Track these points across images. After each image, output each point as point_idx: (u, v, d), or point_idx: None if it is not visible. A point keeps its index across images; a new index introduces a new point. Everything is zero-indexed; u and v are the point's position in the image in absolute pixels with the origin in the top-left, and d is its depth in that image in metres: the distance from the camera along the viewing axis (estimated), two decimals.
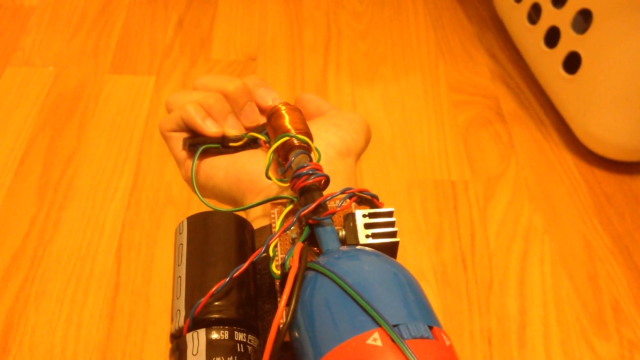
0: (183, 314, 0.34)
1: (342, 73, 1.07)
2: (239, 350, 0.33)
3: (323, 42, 1.13)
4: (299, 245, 0.35)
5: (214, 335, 0.33)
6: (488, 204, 0.88)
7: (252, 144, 0.44)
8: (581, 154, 0.95)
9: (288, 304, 0.32)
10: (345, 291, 0.31)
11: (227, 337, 0.33)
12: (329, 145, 0.42)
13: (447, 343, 0.31)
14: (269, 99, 0.45)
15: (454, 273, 0.80)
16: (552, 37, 0.94)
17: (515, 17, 1.06)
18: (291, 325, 0.32)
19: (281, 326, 0.31)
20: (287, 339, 0.33)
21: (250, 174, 0.42)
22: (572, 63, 0.90)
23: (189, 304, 0.34)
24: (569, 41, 0.89)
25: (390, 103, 1.02)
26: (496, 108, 1.02)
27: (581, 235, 0.84)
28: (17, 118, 0.94)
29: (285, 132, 0.39)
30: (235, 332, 0.33)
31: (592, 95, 0.89)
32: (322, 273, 0.33)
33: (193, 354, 0.32)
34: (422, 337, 0.30)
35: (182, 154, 0.44)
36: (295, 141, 0.39)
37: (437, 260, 0.81)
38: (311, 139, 0.40)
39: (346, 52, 1.11)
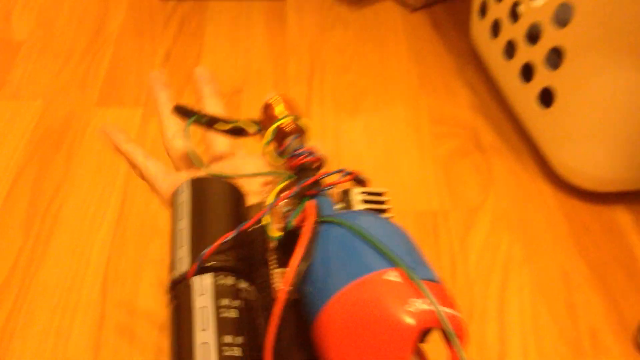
0: (188, 260, 0.35)
1: (326, 105, 1.10)
2: (240, 296, 0.35)
3: (307, 75, 1.16)
4: (311, 202, 0.37)
5: (221, 280, 0.35)
6: (468, 234, 0.90)
7: (237, 133, 0.46)
8: (559, 185, 0.97)
9: (307, 251, 0.33)
10: (361, 235, 0.33)
11: (231, 283, 0.35)
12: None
13: (448, 292, 0.33)
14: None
15: None
16: (527, 72, 0.97)
17: (492, 53, 1.09)
18: (306, 274, 0.33)
19: (300, 267, 0.33)
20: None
21: (237, 170, 0.45)
22: (547, 97, 0.93)
23: (195, 252, 0.36)
24: (543, 77, 0.92)
25: (372, 134, 1.05)
26: (476, 139, 1.05)
27: (559, 265, 0.87)
28: (5, 151, 0.95)
29: (285, 116, 0.42)
30: (238, 280, 0.35)
31: (567, 129, 0.92)
32: (335, 222, 0.34)
33: (200, 295, 0.34)
34: (432, 280, 0.32)
35: (165, 182, 0.48)
36: (294, 125, 0.42)
37: None
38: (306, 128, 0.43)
39: (330, 84, 1.14)
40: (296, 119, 0.42)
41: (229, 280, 0.35)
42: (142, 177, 0.49)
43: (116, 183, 0.92)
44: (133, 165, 0.50)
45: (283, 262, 0.36)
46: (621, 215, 0.93)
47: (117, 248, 0.84)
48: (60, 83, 1.08)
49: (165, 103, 0.51)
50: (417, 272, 0.31)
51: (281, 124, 0.42)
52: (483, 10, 1.11)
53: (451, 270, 0.85)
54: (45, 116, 1.02)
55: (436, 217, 0.92)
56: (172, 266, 0.36)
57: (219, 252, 0.36)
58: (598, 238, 0.90)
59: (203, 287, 0.34)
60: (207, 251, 0.35)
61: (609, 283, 0.84)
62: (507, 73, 1.04)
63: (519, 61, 0.99)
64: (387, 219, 0.36)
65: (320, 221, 0.35)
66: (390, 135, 1.05)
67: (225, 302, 0.34)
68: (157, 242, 0.85)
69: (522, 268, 0.86)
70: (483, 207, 0.94)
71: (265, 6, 1.32)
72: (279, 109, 0.43)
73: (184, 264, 0.35)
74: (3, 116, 1.01)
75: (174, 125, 0.50)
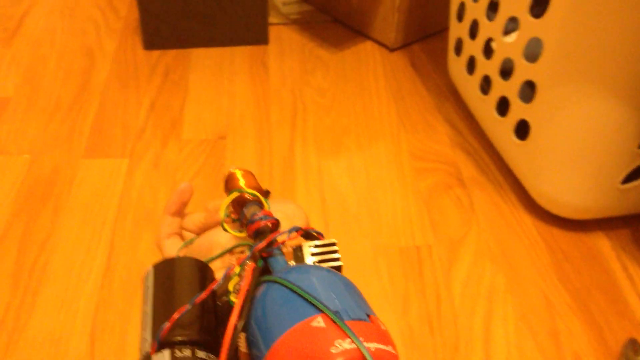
0: (150, 340, 0.37)
1: (309, 146, 1.12)
2: None
3: (289, 118, 1.18)
4: (250, 265, 0.40)
5: (177, 354, 0.36)
6: (452, 267, 0.91)
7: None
8: (539, 215, 0.99)
9: (242, 307, 0.37)
10: (291, 290, 0.36)
11: (190, 355, 0.36)
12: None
13: (383, 327, 0.35)
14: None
15: (421, 337, 0.82)
16: (503, 106, 1.00)
17: (469, 88, 1.12)
18: (245, 325, 0.37)
19: (238, 325, 0.36)
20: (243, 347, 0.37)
21: (210, 243, 0.48)
22: (523, 130, 0.95)
23: (155, 332, 0.37)
24: (518, 110, 0.95)
25: (355, 173, 1.07)
26: (456, 174, 1.07)
27: (542, 293, 0.88)
28: None
29: (238, 189, 0.46)
30: (197, 350, 0.37)
31: (543, 159, 0.94)
32: (271, 281, 0.38)
33: None
34: (359, 319, 0.34)
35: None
36: (247, 195, 0.46)
37: (404, 324, 0.84)
38: (262, 194, 0.46)
39: (312, 126, 1.17)
40: (252, 191, 0.46)
41: (187, 352, 0.36)
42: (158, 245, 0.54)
43: (103, 234, 0.93)
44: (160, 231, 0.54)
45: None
46: (601, 242, 0.95)
47: (105, 297, 0.85)
48: (47, 137, 1.10)
49: (170, 208, 0.53)
50: (347, 314, 0.34)
51: (234, 197, 0.46)
52: (459, 48, 1.15)
53: (436, 303, 0.86)
54: (32, 170, 1.03)
55: (420, 252, 0.93)
56: (140, 348, 0.38)
57: (178, 327, 0.37)
58: (579, 265, 0.91)
59: None
60: (164, 328, 0.37)
61: (591, 309, 0.85)
62: (484, 108, 1.07)
63: (494, 96, 1.02)
64: (326, 269, 0.39)
65: (264, 281, 0.39)
66: (372, 173, 1.07)
67: None
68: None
69: (506, 298, 0.87)
70: (465, 239, 0.95)
71: (247, 52, 1.36)
72: (233, 184, 0.47)
73: (147, 345, 0.37)
74: None
75: (169, 228, 0.53)
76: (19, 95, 1.20)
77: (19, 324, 0.81)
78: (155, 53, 1.34)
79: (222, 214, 0.45)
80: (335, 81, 1.29)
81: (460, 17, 1.12)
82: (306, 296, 0.35)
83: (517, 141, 0.97)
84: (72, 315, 0.83)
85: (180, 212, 0.54)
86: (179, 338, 0.37)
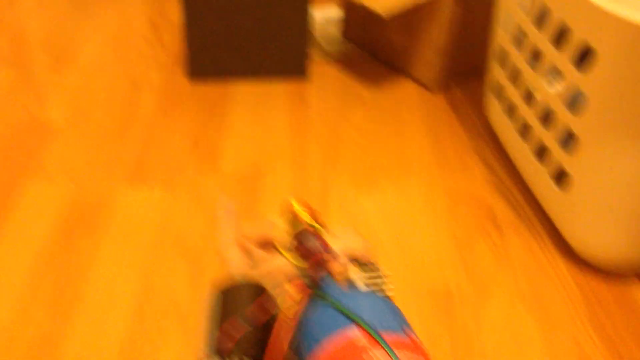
0: (205, 349, 0.43)
1: (344, 182, 1.13)
2: None
3: (327, 154, 1.20)
4: (305, 289, 0.46)
5: None
6: (483, 309, 0.91)
7: None
8: (576, 263, 0.98)
9: (294, 324, 0.43)
10: (331, 304, 0.41)
11: None
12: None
13: (418, 341, 0.39)
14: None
15: None
16: (542, 153, 1.00)
17: (507, 132, 1.12)
18: (294, 340, 0.42)
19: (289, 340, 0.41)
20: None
21: (272, 267, 0.52)
22: (563, 178, 0.95)
23: (212, 346, 0.43)
24: (558, 159, 0.95)
25: (389, 211, 1.07)
26: (492, 216, 1.07)
27: (574, 340, 0.86)
28: (38, 232, 1.00)
29: (300, 223, 0.51)
30: (244, 357, 0.43)
31: (582, 209, 0.93)
32: (317, 299, 0.44)
33: None
34: (393, 331, 0.39)
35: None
36: (307, 227, 0.50)
37: None
38: (323, 226, 0.51)
39: (348, 162, 1.18)
40: (312, 222, 0.51)
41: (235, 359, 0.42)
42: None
43: (141, 265, 0.96)
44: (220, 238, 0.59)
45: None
46: (637, 291, 0.93)
47: (140, 330, 0.87)
48: (93, 166, 1.14)
49: (226, 230, 0.58)
50: (381, 325, 0.38)
51: (298, 231, 0.51)
52: (498, 92, 1.15)
53: (465, 345, 0.86)
54: (77, 199, 1.07)
55: (452, 295, 0.93)
56: (197, 357, 0.45)
57: (233, 340, 0.43)
58: (613, 313, 0.90)
59: None
60: (216, 337, 0.43)
61: (625, 359, 0.84)
62: (522, 152, 1.07)
63: (534, 142, 1.01)
64: (372, 292, 0.44)
65: (312, 300, 0.44)
66: (406, 211, 1.07)
67: None
68: (176, 324, 0.88)
69: (537, 343, 0.86)
70: (498, 282, 0.95)
71: (288, 86, 1.39)
72: (293, 215, 0.52)
73: (202, 353, 0.44)
74: (37, 199, 1.06)
75: (228, 237, 0.58)
76: (68, 124, 1.24)
77: (56, 351, 0.84)
78: (199, 84, 1.38)
79: (285, 245, 0.51)
80: (374, 119, 1.30)
81: (501, 63, 1.12)
82: (343, 310, 0.40)
83: (556, 189, 0.97)
84: (108, 344, 0.85)
85: (232, 221, 0.59)
86: (230, 346, 0.43)
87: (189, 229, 1.02)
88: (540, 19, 0.96)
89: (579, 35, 0.84)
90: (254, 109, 1.31)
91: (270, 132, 1.25)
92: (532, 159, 1.02)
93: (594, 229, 0.93)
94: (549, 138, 0.96)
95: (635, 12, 0.74)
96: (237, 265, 0.56)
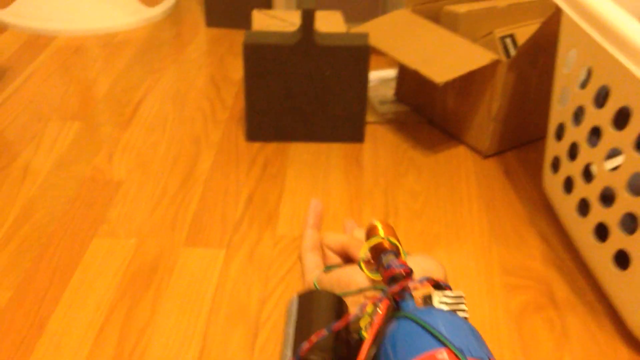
0: (289, 356, 0.45)
1: None
2: None
3: (380, 219, 1.20)
4: (384, 302, 0.46)
5: None
6: None
7: None
8: (637, 347, 0.95)
9: (375, 336, 0.44)
10: (420, 325, 0.42)
11: None
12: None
13: None
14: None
15: None
16: (602, 232, 0.98)
17: (565, 207, 1.11)
18: (375, 356, 0.43)
19: (370, 352, 0.42)
20: None
21: (348, 279, 0.55)
22: (624, 259, 0.93)
23: (295, 350, 0.45)
24: (619, 239, 0.93)
25: None
26: (549, 294, 1.05)
27: None
28: (99, 288, 1.03)
29: (377, 237, 0.52)
30: None
31: None
32: (402, 317, 0.44)
33: None
34: (480, 358, 0.38)
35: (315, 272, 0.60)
36: (386, 244, 0.51)
37: None
38: (399, 243, 0.53)
39: (402, 230, 1.18)
40: (390, 239, 0.52)
41: None
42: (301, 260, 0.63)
43: (197, 326, 0.97)
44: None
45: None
46: None
47: None
48: (153, 222, 1.17)
49: (309, 222, 0.64)
50: (469, 352, 0.38)
51: (374, 243, 0.52)
52: (556, 166, 1.15)
53: None
54: (137, 255, 1.10)
55: None
56: None
57: (315, 348, 0.45)
58: None
59: None
60: (303, 347, 0.44)
61: None
62: (581, 230, 1.05)
63: (593, 220, 1.00)
64: (453, 313, 0.44)
65: (396, 317, 0.45)
66: (461, 284, 1.07)
67: None
68: None
69: None
70: None
71: (343, 149, 1.41)
72: (374, 232, 0.53)
73: (287, 359, 0.45)
74: (100, 254, 1.09)
75: (310, 240, 0.64)
76: (130, 180, 1.28)
77: None
78: (256, 145, 1.41)
79: (362, 255, 0.52)
80: (428, 184, 1.31)
81: (559, 137, 1.12)
82: (433, 331, 0.40)
83: (617, 270, 0.95)
84: None
85: (317, 225, 0.64)
86: (315, 358, 0.44)
87: (244, 291, 1.03)
88: (599, 96, 0.96)
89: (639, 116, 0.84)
90: (310, 171, 1.34)
91: (325, 194, 1.27)
92: (591, 238, 1.01)
93: None
94: (608, 217, 0.95)
95: None
96: (311, 270, 0.60)
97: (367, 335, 0.44)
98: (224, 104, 1.57)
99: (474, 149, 1.42)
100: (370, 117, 1.51)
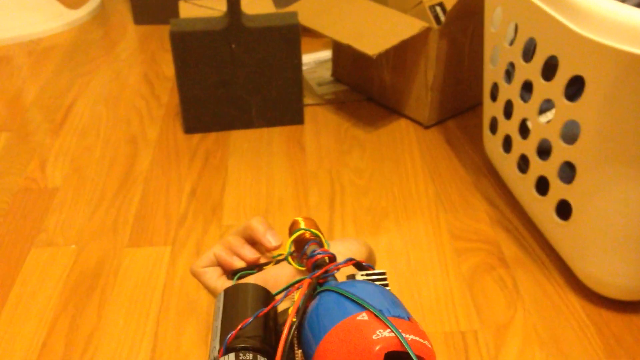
0: (218, 347, 0.45)
1: (347, 228, 1.12)
2: None
3: (328, 200, 1.19)
4: (306, 280, 0.48)
5: (241, 356, 0.44)
6: (499, 353, 0.89)
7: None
8: (586, 296, 0.97)
9: (298, 311, 0.45)
10: (340, 294, 0.43)
11: (252, 358, 0.44)
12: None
13: (420, 328, 0.41)
14: (273, 241, 0.62)
15: None
16: (543, 186, 0.99)
17: (506, 166, 1.12)
18: (299, 328, 0.45)
19: (293, 325, 0.44)
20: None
21: (275, 277, 0.57)
22: (565, 209, 0.94)
23: (223, 340, 0.45)
24: (558, 190, 0.94)
25: (395, 255, 1.06)
26: (498, 253, 1.06)
27: None
28: (41, 300, 0.99)
29: (298, 230, 0.55)
30: (259, 356, 0.44)
31: (587, 240, 0.92)
32: (324, 290, 0.46)
33: None
34: (399, 317, 0.40)
35: (218, 282, 0.61)
36: (308, 235, 0.54)
37: None
38: (321, 233, 0.55)
39: (350, 207, 1.17)
40: (310, 230, 0.55)
41: (249, 356, 0.44)
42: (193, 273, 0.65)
43: (147, 326, 0.94)
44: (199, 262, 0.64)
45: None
46: None
47: None
48: (93, 227, 1.13)
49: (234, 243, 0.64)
50: (389, 312, 0.40)
51: (297, 235, 0.55)
52: (494, 127, 1.15)
53: None
54: (78, 261, 1.06)
55: (465, 337, 0.92)
56: (209, 355, 0.46)
57: (243, 336, 0.45)
58: (631, 349, 0.88)
59: None
60: (230, 336, 0.44)
61: None
62: (522, 186, 1.06)
63: (533, 175, 1.01)
64: (371, 282, 0.46)
65: (318, 292, 0.47)
66: (412, 254, 1.06)
67: None
68: None
69: None
70: (512, 324, 0.93)
71: (284, 132, 1.39)
72: (297, 226, 0.56)
73: (215, 351, 0.45)
74: (39, 264, 1.05)
75: (207, 260, 0.64)
76: (66, 186, 1.24)
77: None
78: (196, 137, 1.38)
79: (286, 250, 0.55)
80: (372, 161, 1.30)
81: (494, 97, 1.13)
82: (354, 297, 0.42)
83: (559, 221, 0.96)
84: None
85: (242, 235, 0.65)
86: (243, 344, 0.44)
87: (193, 285, 1.01)
88: (527, 51, 0.97)
89: (568, 65, 0.85)
90: (252, 158, 1.31)
91: (269, 180, 1.25)
92: (533, 192, 1.02)
93: (599, 258, 0.92)
94: (546, 169, 0.96)
95: (621, 39, 0.75)
96: (212, 277, 0.62)
97: (290, 312, 0.46)
98: (159, 100, 1.53)
99: (414, 120, 1.42)
100: (309, 99, 1.50)
